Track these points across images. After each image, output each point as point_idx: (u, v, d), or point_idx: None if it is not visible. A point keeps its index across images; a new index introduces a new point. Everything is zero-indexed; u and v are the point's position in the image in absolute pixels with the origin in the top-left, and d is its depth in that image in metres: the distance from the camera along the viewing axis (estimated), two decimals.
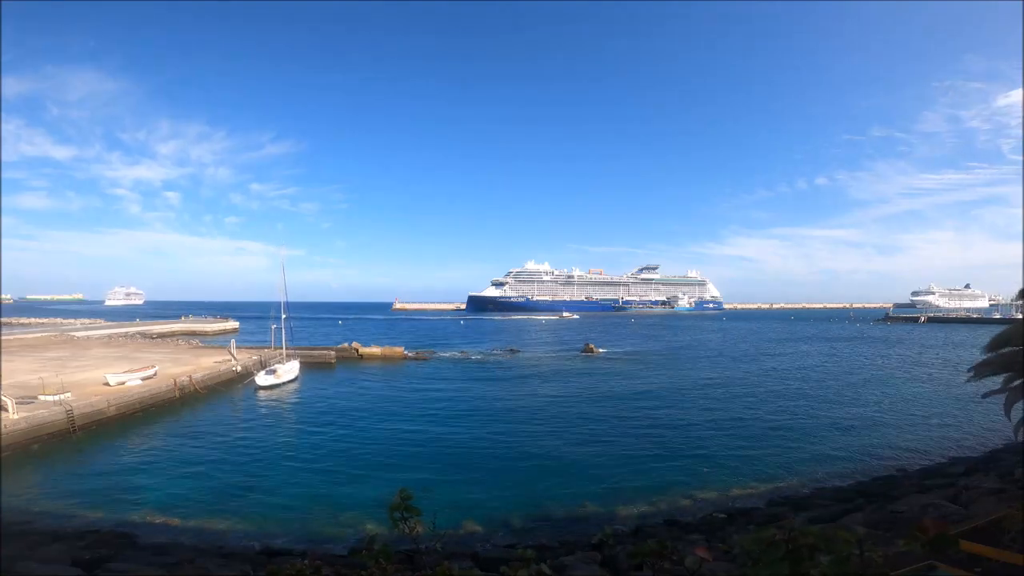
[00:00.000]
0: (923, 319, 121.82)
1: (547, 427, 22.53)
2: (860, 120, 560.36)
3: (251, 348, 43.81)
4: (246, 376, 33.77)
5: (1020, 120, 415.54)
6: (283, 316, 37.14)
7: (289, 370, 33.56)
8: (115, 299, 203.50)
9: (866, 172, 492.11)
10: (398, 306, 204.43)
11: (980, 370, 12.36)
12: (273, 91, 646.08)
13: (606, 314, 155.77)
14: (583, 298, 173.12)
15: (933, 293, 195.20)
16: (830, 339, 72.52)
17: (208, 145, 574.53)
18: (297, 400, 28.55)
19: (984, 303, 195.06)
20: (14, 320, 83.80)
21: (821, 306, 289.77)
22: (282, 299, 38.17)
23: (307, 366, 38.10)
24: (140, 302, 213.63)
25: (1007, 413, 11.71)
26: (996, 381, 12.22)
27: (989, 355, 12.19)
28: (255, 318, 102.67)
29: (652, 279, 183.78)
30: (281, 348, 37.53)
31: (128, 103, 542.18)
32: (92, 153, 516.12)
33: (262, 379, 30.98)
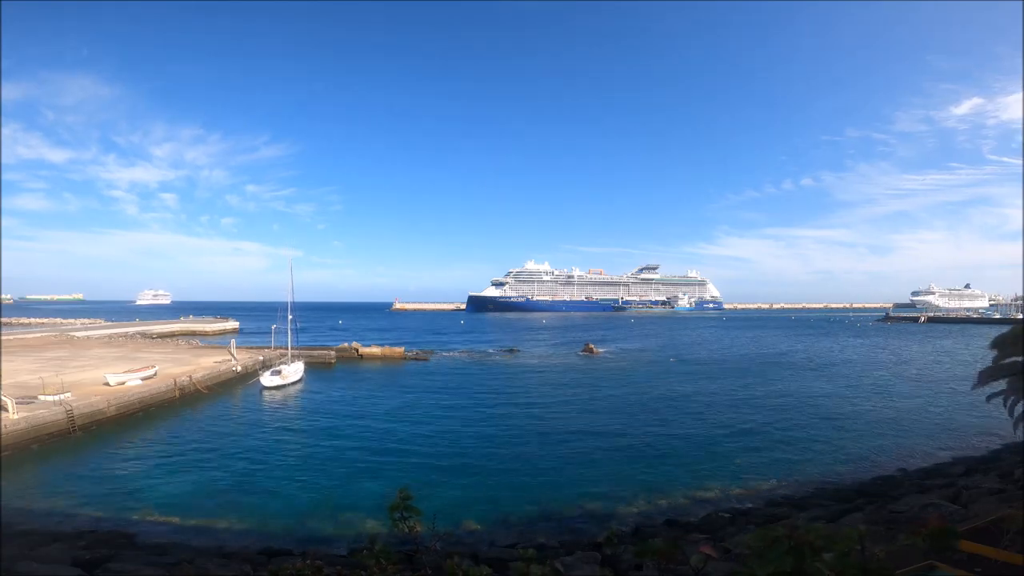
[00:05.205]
0: (923, 319, 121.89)
1: (547, 427, 22.52)
2: (835, 121, 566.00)
3: (251, 348, 43.81)
4: (247, 376, 33.74)
5: (997, 121, 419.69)
6: (289, 317, 37.08)
7: (295, 371, 33.46)
8: (144, 299, 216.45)
9: (850, 173, 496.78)
10: (398, 306, 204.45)
11: (985, 377, 12.35)
12: (267, 94, 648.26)
13: (606, 314, 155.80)
14: (583, 298, 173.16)
15: (933, 293, 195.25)
16: (831, 338, 72.54)
17: (203, 148, 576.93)
18: (301, 401, 28.51)
19: (984, 303, 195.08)
20: (14, 320, 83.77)
21: (821, 306, 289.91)
22: (288, 300, 38.10)
23: (308, 366, 38.10)
24: (167, 302, 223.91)
25: (1011, 413, 11.71)
26: (999, 384, 12.23)
27: (994, 359, 12.17)
28: (256, 318, 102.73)
29: (652, 279, 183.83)
30: (284, 348, 37.53)
31: (123, 107, 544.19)
32: (88, 156, 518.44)
33: (267, 380, 30.81)
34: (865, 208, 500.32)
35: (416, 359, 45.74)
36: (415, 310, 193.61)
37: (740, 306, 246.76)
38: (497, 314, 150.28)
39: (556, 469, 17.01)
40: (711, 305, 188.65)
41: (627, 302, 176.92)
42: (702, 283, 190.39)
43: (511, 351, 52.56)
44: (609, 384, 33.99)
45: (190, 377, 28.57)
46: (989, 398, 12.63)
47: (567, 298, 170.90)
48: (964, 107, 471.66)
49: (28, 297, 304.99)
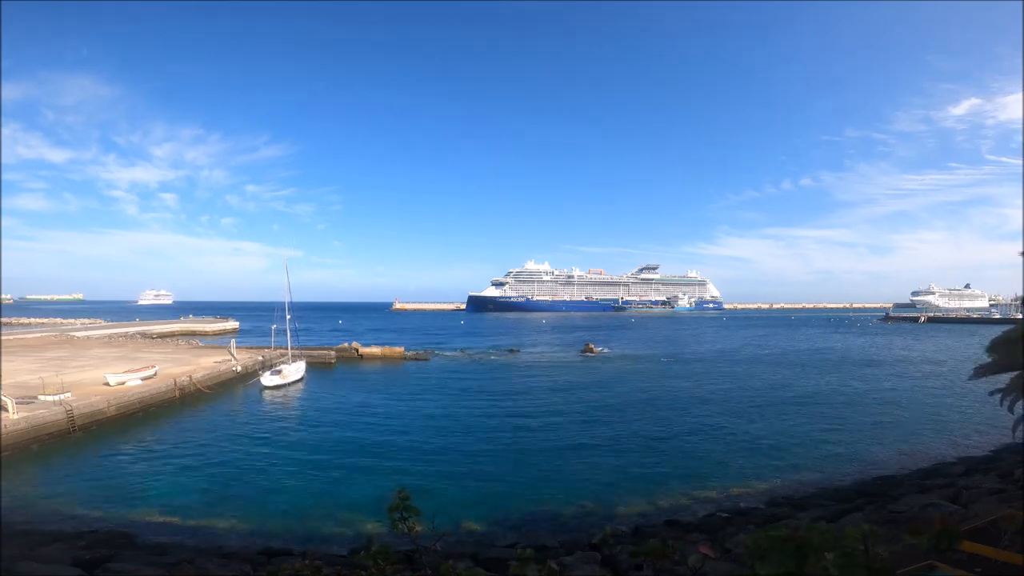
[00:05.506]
0: (923, 319, 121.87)
1: (546, 427, 22.52)
2: (835, 121, 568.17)
3: (251, 348, 43.81)
4: (247, 376, 33.74)
5: (995, 121, 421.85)
6: (288, 317, 37.09)
7: (295, 371, 33.48)
8: (146, 299, 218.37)
9: (849, 173, 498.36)
10: (398, 306, 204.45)
11: (983, 371, 12.35)
12: (267, 94, 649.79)
13: (606, 314, 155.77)
14: (583, 298, 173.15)
15: (933, 293, 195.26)
16: (831, 338, 72.51)
17: (203, 148, 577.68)
18: (300, 401, 28.51)
19: (984, 303, 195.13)
20: (14, 320, 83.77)
21: (821, 306, 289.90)
22: (286, 300, 38.13)
23: (308, 366, 38.15)
24: (169, 302, 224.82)
25: (1011, 410, 11.71)
26: (998, 380, 12.21)
27: (992, 356, 12.18)
28: (256, 318, 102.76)
29: (652, 279, 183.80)
30: (284, 348, 37.58)
31: (123, 107, 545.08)
32: (88, 156, 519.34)
33: (267, 379, 30.82)
34: (865, 208, 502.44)
35: (416, 359, 45.73)
36: (415, 310, 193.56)
37: (740, 306, 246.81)
38: (497, 314, 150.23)
39: (556, 469, 17.00)
40: (711, 305, 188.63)
41: (627, 302, 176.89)
42: (702, 283, 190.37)
43: (511, 351, 52.56)
44: (609, 384, 33.98)
45: (190, 377, 28.56)
46: (991, 393, 12.58)
47: (567, 298, 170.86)
48: (962, 107, 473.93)
49: (28, 297, 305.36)
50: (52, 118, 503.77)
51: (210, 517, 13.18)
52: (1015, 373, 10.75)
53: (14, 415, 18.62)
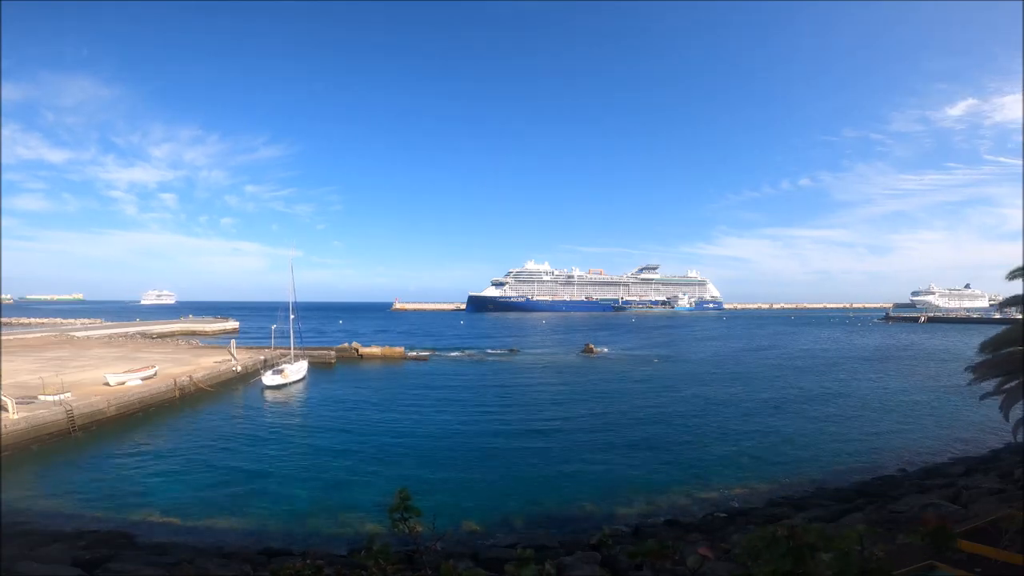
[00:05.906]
0: (923, 319, 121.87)
1: (546, 427, 22.51)
2: (834, 121, 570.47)
3: (250, 348, 43.80)
4: (247, 376, 33.75)
5: (992, 121, 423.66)
6: (291, 316, 37.09)
7: (297, 370, 33.50)
8: (148, 299, 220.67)
9: (847, 173, 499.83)
10: (398, 306, 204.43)
11: (979, 371, 12.37)
12: (267, 94, 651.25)
13: (606, 314, 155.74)
14: (583, 298, 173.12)
15: (933, 293, 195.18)
16: (832, 338, 72.51)
17: (202, 148, 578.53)
18: (301, 401, 28.53)
19: (984, 303, 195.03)
20: (14, 320, 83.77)
21: (820, 306, 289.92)
22: (291, 299, 38.13)
23: (308, 366, 38.13)
24: (172, 302, 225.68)
25: (1005, 414, 11.73)
26: (994, 382, 12.22)
27: (987, 356, 12.21)
28: (256, 318, 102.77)
29: (652, 279, 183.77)
30: (284, 348, 37.57)
31: (122, 108, 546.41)
32: (87, 156, 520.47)
33: (269, 379, 30.85)
34: (863, 208, 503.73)
35: (416, 359, 45.75)
36: (415, 310, 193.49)
37: (740, 306, 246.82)
38: (497, 314, 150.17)
39: (557, 469, 17.00)
40: (711, 305, 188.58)
41: (627, 302, 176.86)
42: (702, 283, 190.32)
43: (511, 351, 52.56)
44: (609, 384, 33.98)
45: (190, 377, 28.56)
46: (983, 397, 12.56)
47: (567, 298, 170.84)
48: (959, 108, 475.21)
49: (28, 297, 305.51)
50: (52, 119, 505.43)
51: (210, 517, 13.18)
52: (1014, 380, 10.72)
53: (14, 415, 18.62)
